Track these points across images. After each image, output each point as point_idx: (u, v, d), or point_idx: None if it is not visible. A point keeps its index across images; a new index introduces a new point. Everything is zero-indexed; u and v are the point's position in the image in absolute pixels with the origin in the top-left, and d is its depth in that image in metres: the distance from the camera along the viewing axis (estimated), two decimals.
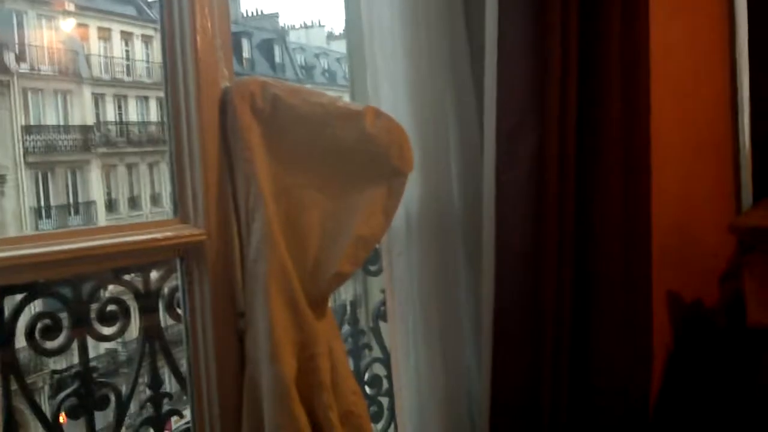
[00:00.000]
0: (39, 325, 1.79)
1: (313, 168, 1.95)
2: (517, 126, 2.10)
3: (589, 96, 2.15)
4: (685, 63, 2.68)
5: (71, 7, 16.33)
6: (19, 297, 1.73)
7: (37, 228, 16.00)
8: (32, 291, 1.73)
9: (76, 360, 1.90)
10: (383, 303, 2.37)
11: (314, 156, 1.95)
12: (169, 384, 2.08)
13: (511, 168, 2.11)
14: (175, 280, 1.96)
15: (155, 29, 17.41)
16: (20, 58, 15.76)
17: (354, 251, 1.91)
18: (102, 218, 17.29)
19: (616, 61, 2.16)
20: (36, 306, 1.83)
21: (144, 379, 2.00)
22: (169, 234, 1.84)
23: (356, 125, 1.94)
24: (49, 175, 16.46)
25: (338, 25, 19.42)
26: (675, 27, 2.59)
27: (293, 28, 22.09)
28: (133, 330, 1.97)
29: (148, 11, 17.80)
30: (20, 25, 15.83)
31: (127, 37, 17.49)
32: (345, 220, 1.93)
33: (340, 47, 21.95)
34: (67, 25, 16.61)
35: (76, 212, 17.00)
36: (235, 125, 1.89)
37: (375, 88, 2.16)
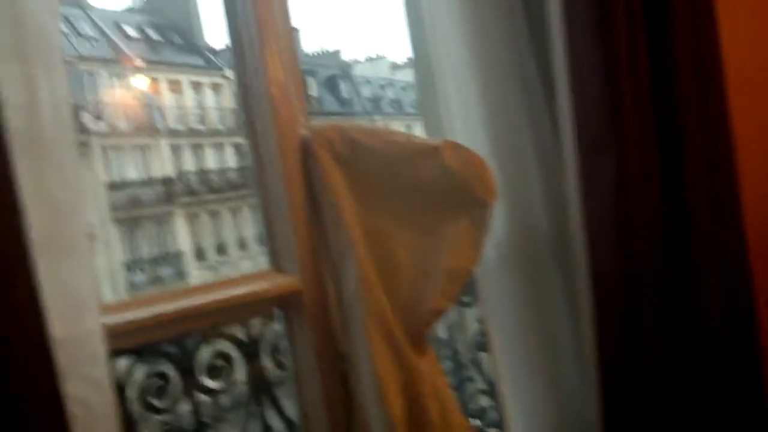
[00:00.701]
0: (149, 386, 1.84)
1: (398, 206, 1.98)
2: (596, 147, 2.08)
3: (665, 109, 2.13)
4: (759, 60, 2.62)
5: (141, 63, 16.77)
6: (127, 360, 1.78)
7: (128, 283, 16.35)
8: (140, 353, 1.78)
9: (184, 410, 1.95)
10: (481, 333, 2.37)
11: (397, 194, 1.98)
12: (278, 429, 2.11)
13: (595, 189, 2.09)
14: (275, 326, 2.00)
15: (223, 77, 17.77)
16: (97, 117, 16.20)
17: (447, 286, 1.92)
18: (192, 267, 17.60)
19: (688, 70, 2.13)
20: (142, 366, 1.88)
21: (253, 425, 2.04)
22: (266, 286, 1.89)
23: (435, 161, 1.96)
24: (136, 229, 16.86)
25: (401, 55, 19.47)
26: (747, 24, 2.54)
27: (357, 62, 22.25)
28: (238, 377, 2.01)
29: (215, 59, 18.15)
30: (94, 85, 16.29)
31: (196, 86, 17.86)
32: (435, 255, 1.94)
33: (405, 76, 21.97)
34: (139, 81, 17.05)
35: (166, 263, 17.34)
36: (318, 172, 1.93)
37: (449, 116, 2.17)
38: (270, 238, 1.97)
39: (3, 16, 1.34)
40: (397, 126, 20.10)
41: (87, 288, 1.43)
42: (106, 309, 1.53)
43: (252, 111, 1.95)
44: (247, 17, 1.96)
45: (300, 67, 2.04)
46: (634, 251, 2.08)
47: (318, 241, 1.95)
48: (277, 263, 1.95)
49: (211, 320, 1.85)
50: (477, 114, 2.18)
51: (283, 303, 1.93)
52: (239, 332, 1.99)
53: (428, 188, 1.98)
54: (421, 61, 2.41)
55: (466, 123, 2.17)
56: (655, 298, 2.10)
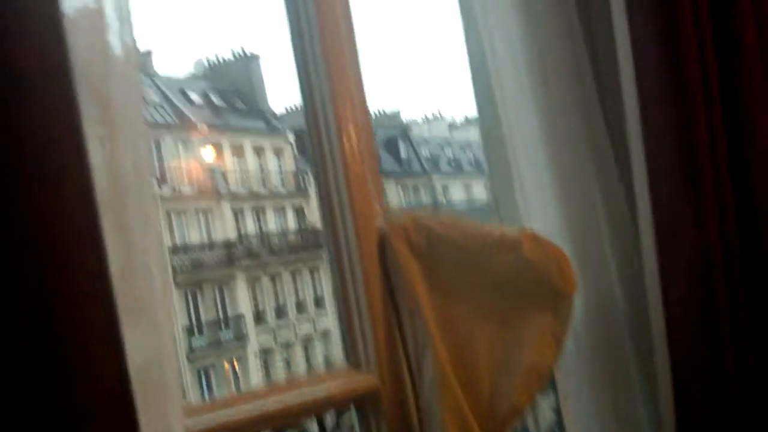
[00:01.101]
0: None
1: (476, 298, 1.94)
2: (673, 217, 2.03)
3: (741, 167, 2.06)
4: None
5: (204, 128, 17.09)
6: None
7: (190, 346, 16.45)
8: None
9: None
10: (557, 423, 2.31)
11: (475, 286, 1.94)
12: None
13: (673, 265, 2.03)
14: (349, 419, 1.98)
15: (285, 140, 18.04)
16: (161, 181, 16.51)
17: (528, 382, 1.87)
18: (251, 330, 17.70)
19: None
20: None
21: None
22: (344, 387, 1.87)
23: (514, 252, 1.93)
24: (198, 292, 17.02)
25: (459, 115, 19.59)
26: None
27: (415, 122, 22.45)
28: None
29: (277, 124, 18.45)
30: (159, 151, 16.63)
31: (259, 150, 18.14)
32: (514, 349, 1.90)
33: (463, 135, 22.10)
34: (202, 146, 17.37)
35: (227, 326, 17.46)
36: (395, 264, 1.91)
37: (520, 184, 2.14)
38: (348, 334, 1.94)
39: (94, 83, 1.34)
40: (456, 184, 20.15)
41: (171, 384, 1.42)
42: (189, 411, 1.52)
43: (331, 205, 1.95)
44: (323, 99, 1.96)
45: (378, 155, 2.03)
46: (716, 332, 2.02)
47: (395, 334, 1.93)
48: (354, 359, 1.92)
49: (287, 421, 1.83)
50: (547, 180, 2.14)
51: (360, 401, 1.90)
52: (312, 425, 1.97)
53: (507, 280, 1.94)
54: (487, 122, 2.38)
55: (538, 191, 2.13)
56: (737, 382, 2.03)
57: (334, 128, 1.95)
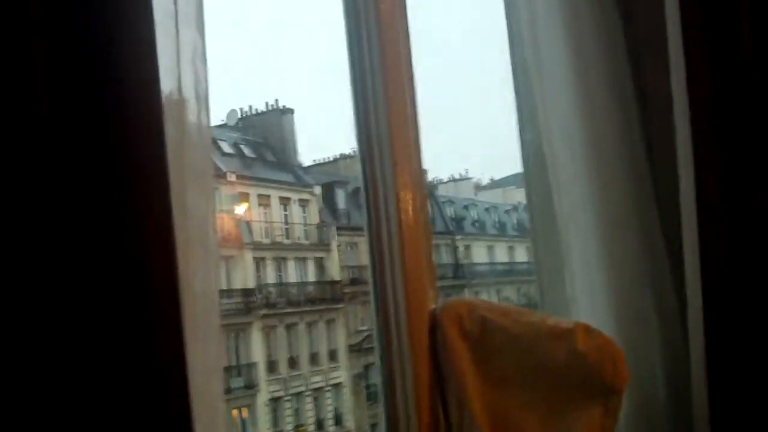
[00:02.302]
0: None
1: (525, 388, 1.92)
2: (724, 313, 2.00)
3: None
4: None
5: (233, 178, 17.18)
6: None
7: None
8: None
9: None
10: None
11: (525, 376, 1.92)
12: None
13: (720, 369, 2.00)
14: None
15: (311, 193, 18.09)
16: None
17: None
18: (262, 379, 17.59)
19: None
20: None
21: None
22: None
23: (567, 344, 1.91)
24: None
25: (485, 176, 19.64)
26: None
27: (441, 181, 22.49)
28: None
29: (304, 177, 18.52)
30: None
31: (285, 202, 18.19)
32: None
33: (488, 197, 22.10)
34: (230, 195, 17.46)
35: (238, 374, 17.36)
36: (446, 349, 1.90)
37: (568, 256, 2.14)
38: (391, 413, 1.91)
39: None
40: (479, 246, 20.12)
41: None
42: None
43: (384, 285, 1.93)
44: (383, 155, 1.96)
45: (432, 240, 2.03)
46: None
47: (440, 420, 1.90)
48: None
49: None
50: (595, 262, 2.13)
51: None
52: None
53: (558, 372, 1.92)
54: (533, 183, 2.40)
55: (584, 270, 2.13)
56: None
57: (392, 191, 1.95)
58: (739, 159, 2.01)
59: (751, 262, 2.00)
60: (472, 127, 20.21)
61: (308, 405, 18.58)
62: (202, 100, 1.48)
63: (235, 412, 18.35)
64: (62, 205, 1.17)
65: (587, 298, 2.16)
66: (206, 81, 1.49)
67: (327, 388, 18.67)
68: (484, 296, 16.61)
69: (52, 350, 1.15)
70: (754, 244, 2.00)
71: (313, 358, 18.68)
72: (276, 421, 18.22)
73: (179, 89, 1.44)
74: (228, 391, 18.09)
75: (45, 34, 1.15)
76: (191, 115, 1.45)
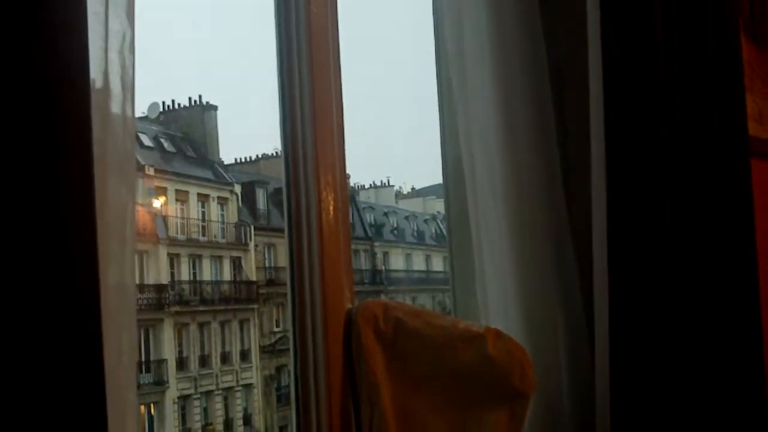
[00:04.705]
0: None
1: (435, 391, 1.96)
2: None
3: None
4: None
5: (151, 171, 16.92)
6: None
7: None
8: None
9: None
10: None
11: (436, 379, 1.96)
12: None
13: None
14: None
15: (231, 191, 17.92)
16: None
17: None
18: (172, 376, 17.35)
19: None
20: None
21: None
22: None
23: (478, 348, 1.95)
24: None
25: (406, 184, 19.71)
26: None
27: (363, 187, 22.52)
28: None
29: (225, 174, 18.34)
30: None
31: (203, 199, 17.98)
32: None
33: (408, 206, 22.17)
34: (148, 189, 17.18)
35: (147, 370, 17.09)
36: (360, 349, 1.92)
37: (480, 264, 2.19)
38: (303, 412, 1.93)
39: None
40: (397, 253, 20.18)
41: None
42: None
43: (302, 284, 1.94)
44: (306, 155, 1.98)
45: (351, 243, 2.05)
46: None
47: (351, 422, 1.92)
48: None
49: None
50: (509, 269, 2.18)
51: None
52: None
53: (467, 375, 1.96)
54: (452, 197, 2.45)
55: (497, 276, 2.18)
56: None
57: (314, 192, 1.96)
58: (648, 167, 2.09)
59: (657, 271, 2.07)
60: (396, 136, 20.24)
61: (218, 404, 18.39)
62: (128, 90, 1.47)
63: (142, 408, 18.09)
64: None
65: (499, 305, 2.20)
66: (133, 72, 1.48)
67: (237, 388, 18.51)
68: None
69: None
70: (660, 253, 2.08)
71: (225, 358, 18.50)
72: (184, 419, 17.99)
73: (105, 79, 1.43)
74: (137, 386, 17.73)
75: None
76: (115, 106, 1.45)
